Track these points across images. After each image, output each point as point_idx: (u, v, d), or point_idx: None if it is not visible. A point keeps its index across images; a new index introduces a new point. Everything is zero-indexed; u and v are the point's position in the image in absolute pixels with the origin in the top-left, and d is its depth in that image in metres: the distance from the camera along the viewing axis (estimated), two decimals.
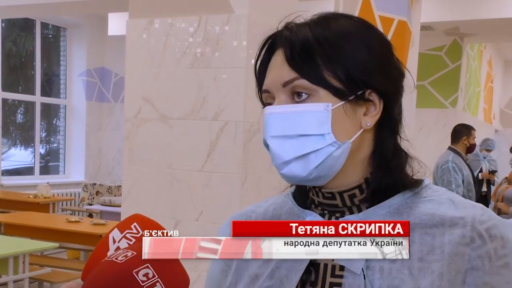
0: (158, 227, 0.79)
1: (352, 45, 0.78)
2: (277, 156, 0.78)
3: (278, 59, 0.80)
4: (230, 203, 2.80)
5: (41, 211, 6.39)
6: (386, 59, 0.81)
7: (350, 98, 0.78)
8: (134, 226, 0.78)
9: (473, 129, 5.00)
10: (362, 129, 0.79)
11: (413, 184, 0.82)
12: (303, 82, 0.78)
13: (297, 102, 0.78)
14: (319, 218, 0.83)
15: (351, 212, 0.82)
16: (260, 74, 0.84)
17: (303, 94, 0.78)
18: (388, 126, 0.82)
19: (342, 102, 0.78)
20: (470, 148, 4.96)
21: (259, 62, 0.85)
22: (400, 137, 0.84)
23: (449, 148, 4.95)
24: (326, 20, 0.81)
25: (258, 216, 0.91)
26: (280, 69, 0.80)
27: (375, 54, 0.79)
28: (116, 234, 0.78)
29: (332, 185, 0.82)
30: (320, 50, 0.78)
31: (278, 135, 0.78)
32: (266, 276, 0.82)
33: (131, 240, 0.77)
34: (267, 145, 0.80)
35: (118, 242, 0.77)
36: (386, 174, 0.81)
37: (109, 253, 0.77)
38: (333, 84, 0.77)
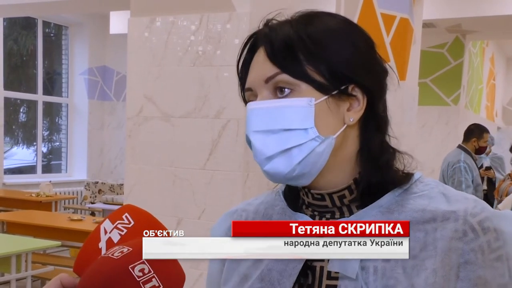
0: (149, 217, 0.79)
1: (335, 42, 0.78)
2: (259, 152, 0.77)
3: (260, 57, 0.80)
4: (232, 201, 2.80)
5: (43, 210, 6.41)
6: (370, 56, 0.81)
7: (334, 93, 0.77)
8: (126, 216, 0.78)
9: (486, 131, 4.85)
10: (345, 125, 0.79)
11: (402, 181, 0.81)
12: (285, 77, 0.77)
13: (280, 98, 0.78)
14: (310, 220, 0.82)
15: (341, 213, 0.81)
16: (242, 73, 0.84)
17: (286, 89, 0.77)
18: (373, 123, 0.81)
19: (325, 97, 0.77)
20: (479, 151, 4.83)
21: (241, 61, 0.84)
22: (388, 135, 0.83)
23: (459, 147, 4.84)
24: (309, 18, 0.80)
25: (249, 215, 0.90)
26: (262, 66, 0.79)
27: (358, 51, 0.79)
28: (107, 224, 0.78)
29: (320, 186, 0.81)
30: (302, 46, 0.77)
31: (261, 130, 0.77)
32: (255, 278, 0.81)
33: (122, 231, 0.77)
34: (249, 141, 0.79)
35: (110, 232, 0.77)
36: (375, 172, 0.80)
37: (100, 244, 0.77)
38: (315, 78, 0.77)
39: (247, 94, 0.83)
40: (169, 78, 2.97)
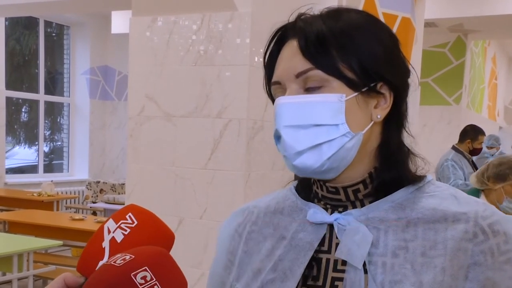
0: (153, 217, 0.79)
1: (364, 37, 0.79)
2: (290, 146, 0.78)
3: (289, 51, 0.80)
4: (233, 201, 2.80)
5: (45, 209, 6.41)
6: (395, 53, 0.82)
7: (363, 90, 0.78)
8: (129, 216, 0.78)
9: (482, 133, 4.84)
10: (372, 122, 0.80)
11: (416, 179, 0.82)
12: (318, 72, 0.77)
13: (310, 93, 0.78)
14: (322, 211, 0.83)
15: (354, 207, 0.82)
16: (269, 66, 0.84)
17: (317, 84, 0.78)
18: (396, 120, 0.83)
19: (356, 93, 0.78)
20: (473, 152, 4.83)
21: (268, 54, 0.85)
22: (406, 131, 0.85)
23: (452, 147, 4.88)
24: (337, 13, 0.81)
25: (260, 210, 0.91)
26: (292, 60, 0.79)
27: (385, 47, 0.80)
28: (111, 224, 0.78)
29: (337, 180, 0.82)
30: (335, 42, 0.78)
31: (292, 124, 0.77)
32: (269, 269, 0.83)
33: (125, 230, 0.77)
34: (278, 136, 0.79)
35: (113, 232, 0.77)
36: (390, 168, 0.82)
37: (103, 244, 0.77)
38: (347, 75, 0.78)
39: (273, 87, 0.83)
40: (171, 78, 2.97)
